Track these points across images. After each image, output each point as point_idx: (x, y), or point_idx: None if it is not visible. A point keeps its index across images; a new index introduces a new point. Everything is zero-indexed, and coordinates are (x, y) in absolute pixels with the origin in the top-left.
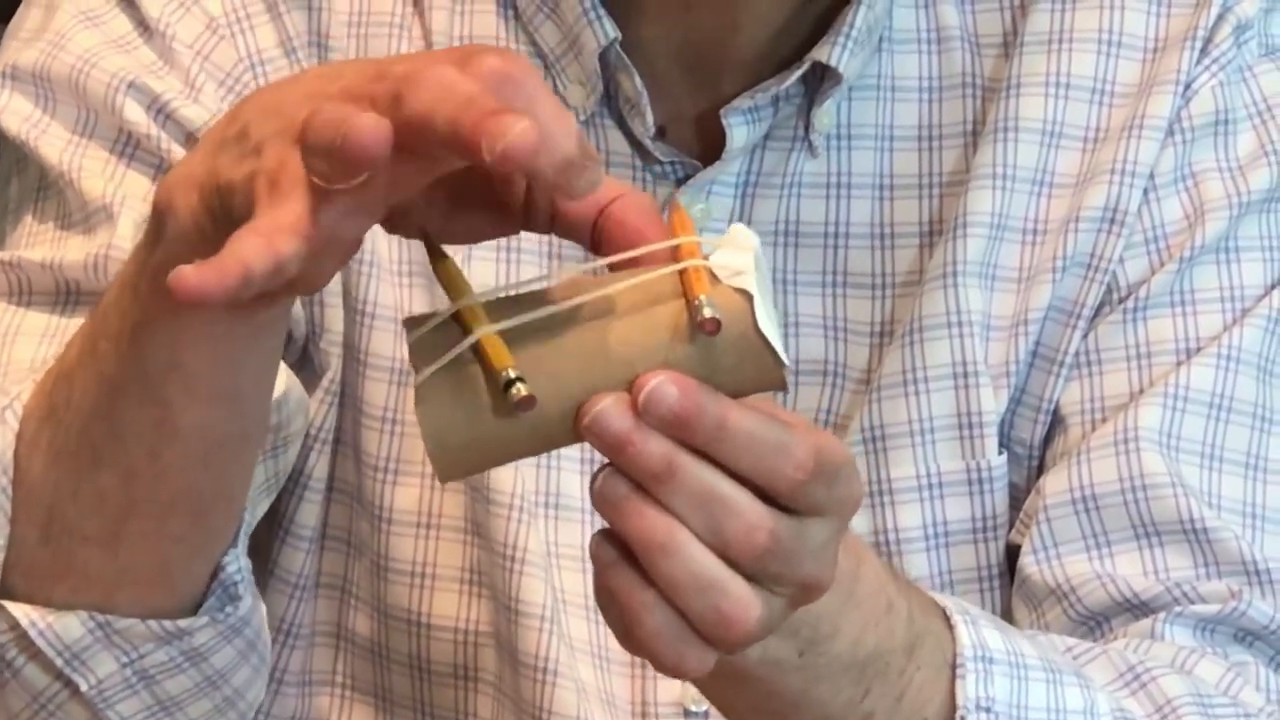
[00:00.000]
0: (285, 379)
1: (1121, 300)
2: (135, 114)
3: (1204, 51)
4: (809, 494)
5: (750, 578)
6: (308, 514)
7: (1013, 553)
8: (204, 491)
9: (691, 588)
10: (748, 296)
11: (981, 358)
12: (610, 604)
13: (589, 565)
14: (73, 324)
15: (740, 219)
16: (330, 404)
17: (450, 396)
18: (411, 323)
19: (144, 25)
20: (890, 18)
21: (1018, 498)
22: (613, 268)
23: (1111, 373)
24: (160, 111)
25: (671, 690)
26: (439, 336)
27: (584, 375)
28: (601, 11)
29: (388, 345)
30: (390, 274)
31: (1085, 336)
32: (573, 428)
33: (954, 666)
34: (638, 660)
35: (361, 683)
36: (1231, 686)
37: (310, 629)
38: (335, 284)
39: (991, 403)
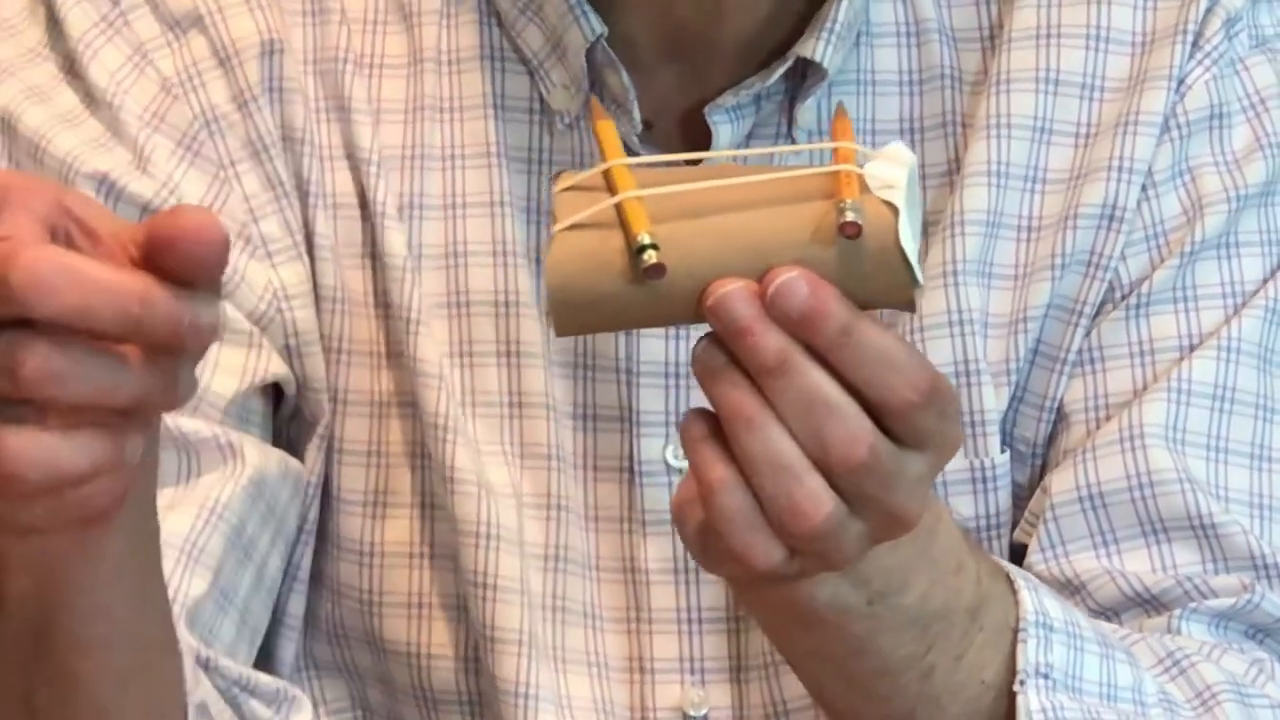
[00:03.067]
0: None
1: (1124, 297)
2: None
3: (1196, 46)
4: (919, 419)
5: (841, 493)
6: (304, 558)
7: (1018, 552)
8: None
9: (768, 467)
10: (893, 209)
11: (982, 356)
12: (684, 511)
13: (588, 572)
14: None
15: None
16: (322, 449)
17: (582, 252)
18: (559, 178)
19: (91, 97)
20: (868, 12)
21: (1021, 496)
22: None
23: (1115, 370)
24: (110, 191)
25: (671, 695)
26: (583, 197)
27: (717, 256)
28: (587, 7)
29: (364, 380)
30: (361, 307)
31: (1088, 334)
32: (695, 306)
33: (1015, 631)
34: (636, 666)
35: (379, 712)
36: (1256, 681)
37: (317, 663)
38: (313, 332)
39: (993, 401)
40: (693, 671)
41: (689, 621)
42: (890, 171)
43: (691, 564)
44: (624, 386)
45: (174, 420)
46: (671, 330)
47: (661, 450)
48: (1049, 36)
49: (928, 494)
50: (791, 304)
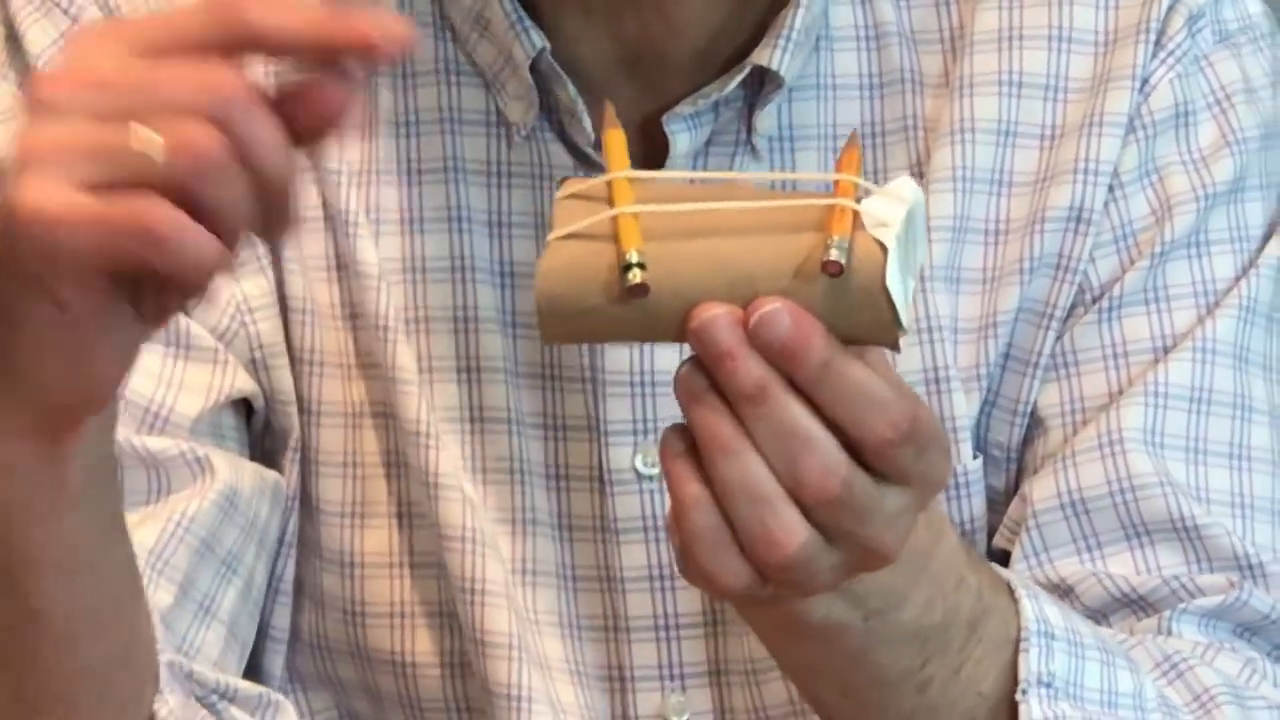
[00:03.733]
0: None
1: (1095, 300)
2: None
3: (1159, 45)
4: (896, 457)
5: (817, 525)
6: (286, 570)
7: (995, 557)
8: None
9: (743, 495)
10: (883, 249)
11: (952, 362)
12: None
13: (563, 582)
14: None
15: None
16: (296, 461)
17: (574, 263)
18: (564, 184)
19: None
20: (827, 16)
21: (997, 501)
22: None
23: (1089, 373)
24: None
25: (652, 702)
26: (583, 206)
27: (705, 280)
28: (529, 23)
29: (337, 391)
30: (329, 318)
31: (1059, 338)
32: (680, 327)
33: (1016, 643)
34: (616, 674)
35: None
36: (1251, 681)
37: (301, 676)
38: (279, 344)
39: (964, 407)
40: (672, 678)
41: (667, 628)
42: (888, 209)
43: (668, 570)
44: (590, 396)
45: (141, 440)
46: None
47: (631, 458)
48: (1011, 39)
49: (909, 528)
50: (773, 335)
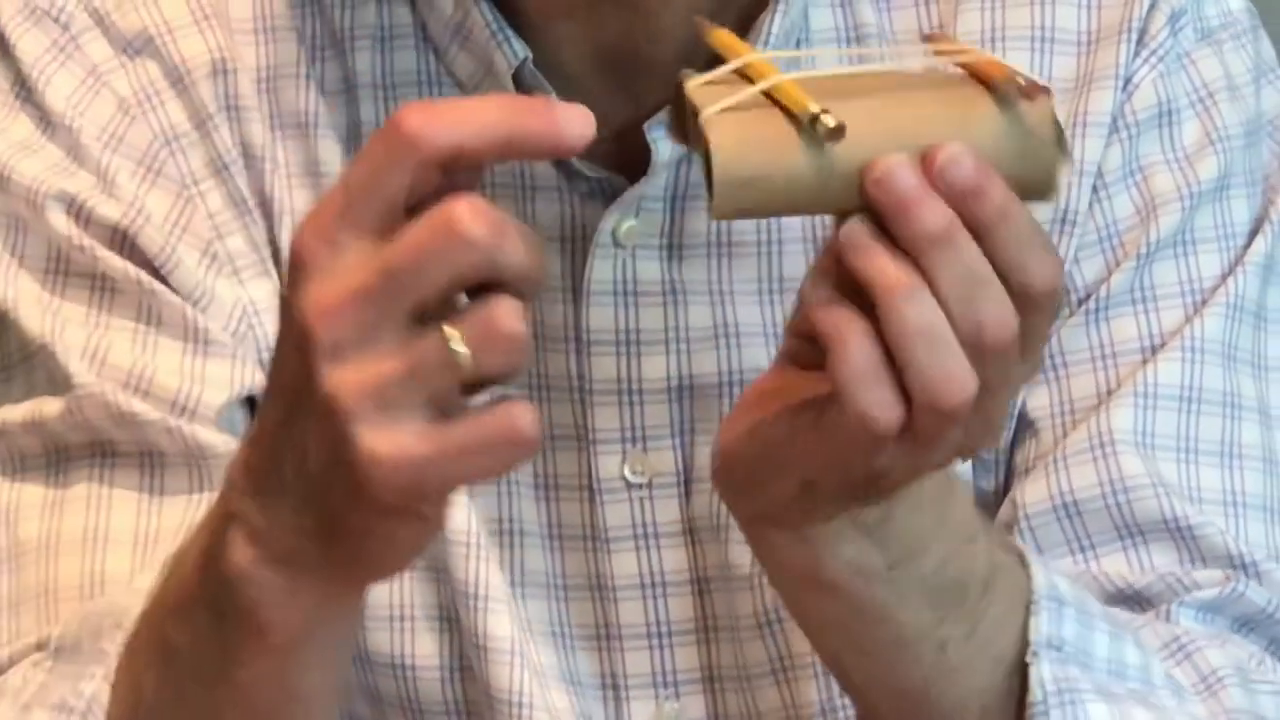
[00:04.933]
0: None
1: (1081, 302)
2: (60, 222)
3: (1140, 44)
4: (1045, 313)
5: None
6: None
7: None
8: None
9: (922, 338)
10: (1048, 91)
11: None
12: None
13: (554, 591)
14: (68, 492)
15: (673, 232)
16: None
17: (744, 130)
18: (688, 77)
19: (47, 122)
20: (806, 19)
21: (988, 504)
22: None
23: (1078, 375)
24: (80, 214)
25: (646, 710)
26: (723, 90)
27: (877, 133)
28: (509, 32)
29: None
30: None
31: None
32: (855, 183)
33: (1026, 606)
34: (610, 683)
35: None
36: (1261, 668)
37: None
38: None
39: None
40: (666, 685)
41: (659, 635)
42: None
43: (659, 578)
44: (578, 405)
45: (192, 430)
46: (622, 348)
47: (619, 467)
48: (994, 39)
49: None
50: (959, 175)
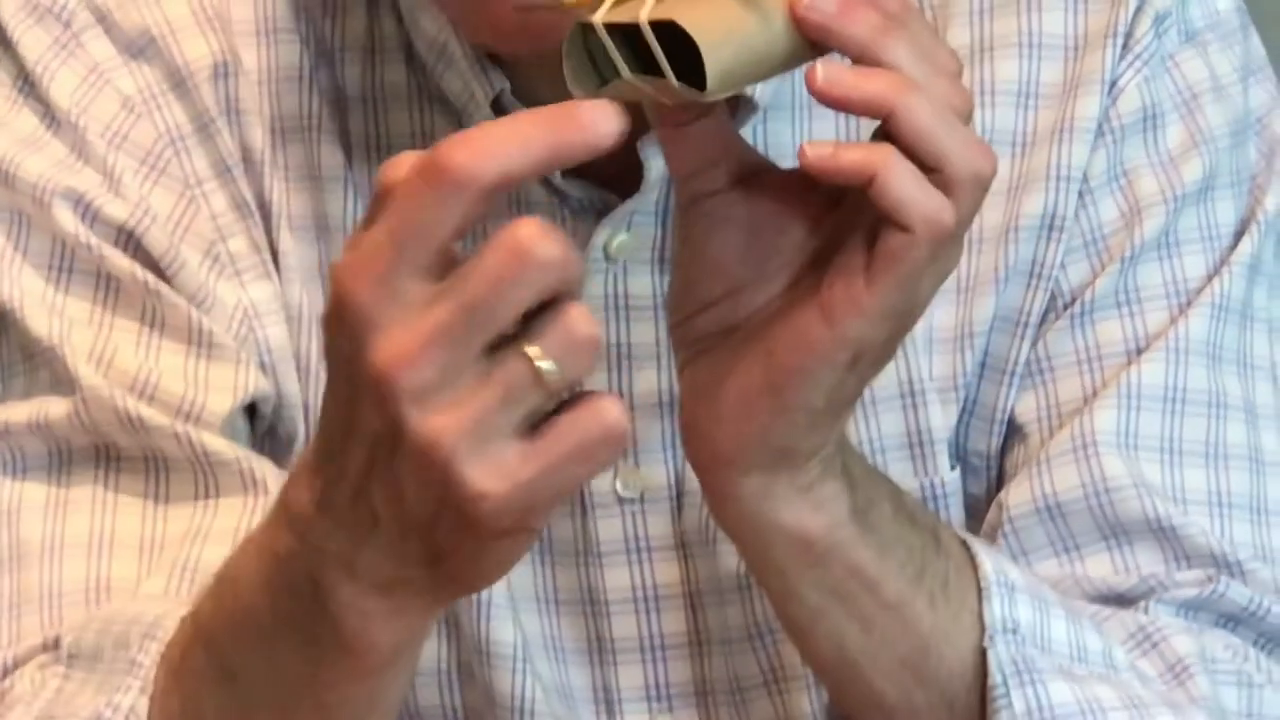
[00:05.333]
0: None
1: (1067, 306)
2: (66, 219)
3: (1126, 48)
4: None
5: None
6: None
7: None
8: None
9: (941, 119)
10: None
11: (927, 374)
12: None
13: (546, 606)
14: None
15: (665, 248)
16: None
17: (694, 9)
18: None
19: (51, 118)
20: None
21: (978, 509)
22: None
23: (1064, 379)
24: (86, 212)
25: None
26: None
27: None
28: (487, 64)
29: None
30: None
31: (1034, 345)
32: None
33: (977, 584)
34: (603, 696)
35: None
36: (1234, 659)
37: None
38: (285, 349)
39: (940, 419)
40: (659, 698)
41: (653, 649)
42: None
43: (652, 592)
44: None
45: (199, 437)
46: (614, 362)
47: (611, 481)
48: (983, 50)
49: None
50: None
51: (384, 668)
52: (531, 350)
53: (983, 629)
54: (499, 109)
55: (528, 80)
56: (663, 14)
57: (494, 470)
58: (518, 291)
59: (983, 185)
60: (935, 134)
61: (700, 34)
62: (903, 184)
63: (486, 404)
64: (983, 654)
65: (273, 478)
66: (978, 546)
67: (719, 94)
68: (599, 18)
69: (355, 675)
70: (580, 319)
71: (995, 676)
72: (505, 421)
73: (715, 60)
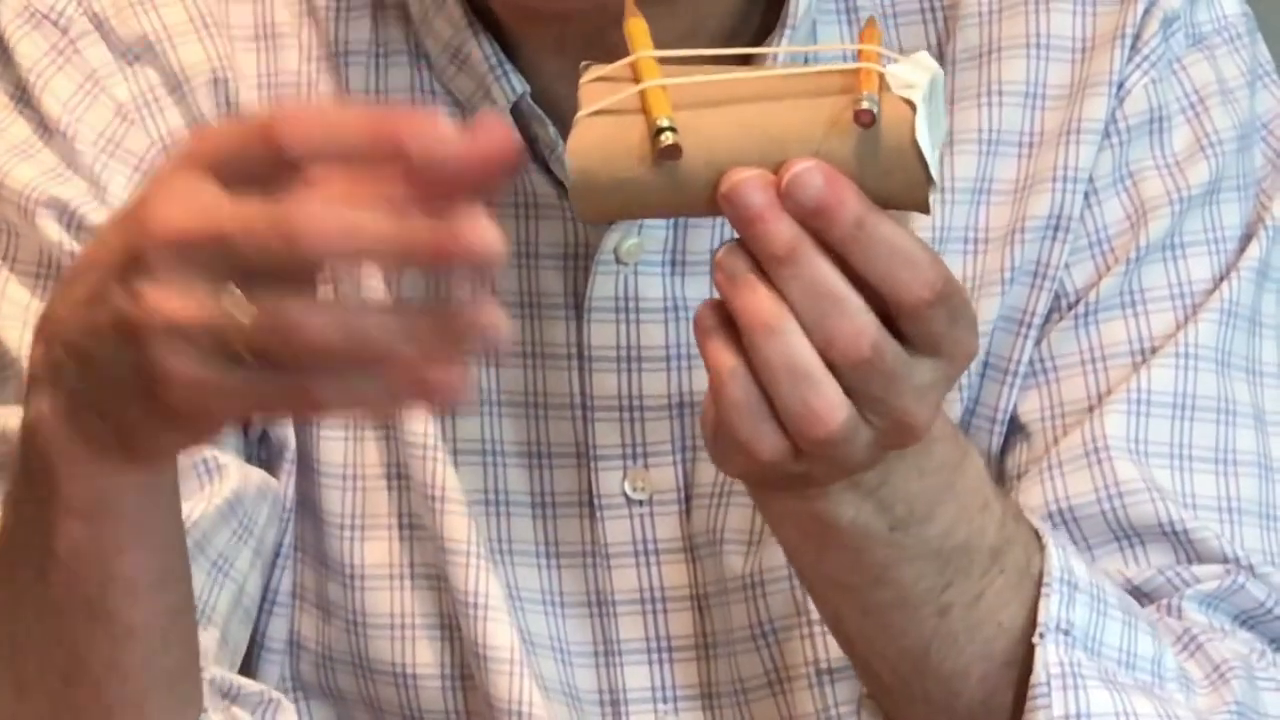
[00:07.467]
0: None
1: (1071, 306)
2: (50, 229)
3: (1134, 49)
4: (929, 319)
5: (850, 394)
6: (282, 581)
7: None
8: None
9: (785, 373)
10: (912, 106)
11: None
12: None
13: (550, 608)
14: None
15: (675, 250)
16: (292, 473)
17: (604, 136)
18: (587, 70)
19: (44, 127)
20: (814, 38)
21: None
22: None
23: (1069, 379)
24: (70, 221)
25: None
26: (609, 87)
27: (735, 145)
28: (508, 67)
29: None
30: None
31: (1037, 345)
32: (712, 195)
33: (1038, 579)
34: (609, 698)
35: None
36: (1260, 663)
37: (304, 686)
38: None
39: None
40: (665, 700)
41: (659, 650)
42: (912, 74)
43: (659, 593)
44: (579, 422)
45: None
46: (624, 364)
47: (620, 483)
48: (991, 51)
49: (938, 403)
50: (806, 194)
51: (91, 516)
52: (235, 298)
53: (1033, 625)
54: (519, 113)
55: (547, 80)
56: (576, 129)
57: (181, 365)
58: (266, 256)
59: (819, 445)
60: (777, 385)
61: (582, 167)
62: (728, 407)
63: (197, 316)
64: (1027, 651)
65: (231, 462)
66: (1051, 542)
67: (590, 221)
68: (586, 78)
69: (64, 515)
70: (297, 309)
71: (1039, 674)
72: (205, 338)
73: (585, 196)
